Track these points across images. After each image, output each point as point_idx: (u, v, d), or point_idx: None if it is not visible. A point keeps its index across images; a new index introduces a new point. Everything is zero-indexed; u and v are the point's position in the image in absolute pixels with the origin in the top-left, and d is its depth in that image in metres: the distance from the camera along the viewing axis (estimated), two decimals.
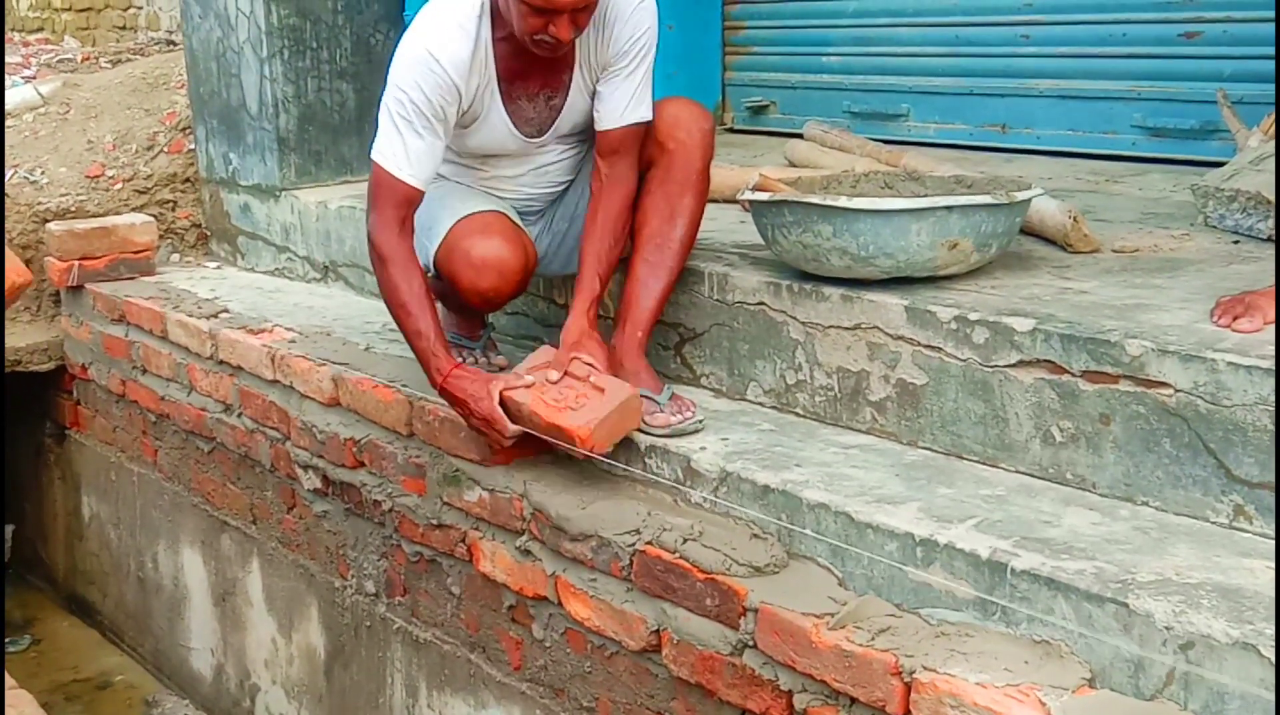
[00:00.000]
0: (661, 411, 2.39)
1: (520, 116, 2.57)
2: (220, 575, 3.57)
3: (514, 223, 2.62)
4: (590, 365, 2.35)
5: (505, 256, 2.52)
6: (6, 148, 4.41)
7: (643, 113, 2.54)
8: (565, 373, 2.35)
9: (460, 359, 2.85)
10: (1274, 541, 1.80)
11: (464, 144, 2.61)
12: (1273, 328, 1.95)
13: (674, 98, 2.63)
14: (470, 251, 2.52)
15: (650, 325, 2.52)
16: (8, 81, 5.00)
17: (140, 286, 3.94)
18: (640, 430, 2.40)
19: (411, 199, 2.48)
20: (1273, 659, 1.53)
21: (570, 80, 2.56)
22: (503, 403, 2.37)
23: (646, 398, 2.41)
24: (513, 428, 2.36)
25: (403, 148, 2.44)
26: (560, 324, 2.94)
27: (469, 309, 2.76)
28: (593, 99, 2.58)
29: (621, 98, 2.52)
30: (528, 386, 2.35)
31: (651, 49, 2.55)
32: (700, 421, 2.39)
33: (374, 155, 2.49)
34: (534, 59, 2.46)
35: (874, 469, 2.17)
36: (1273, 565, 1.73)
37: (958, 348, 2.15)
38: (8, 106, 4.69)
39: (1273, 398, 1.80)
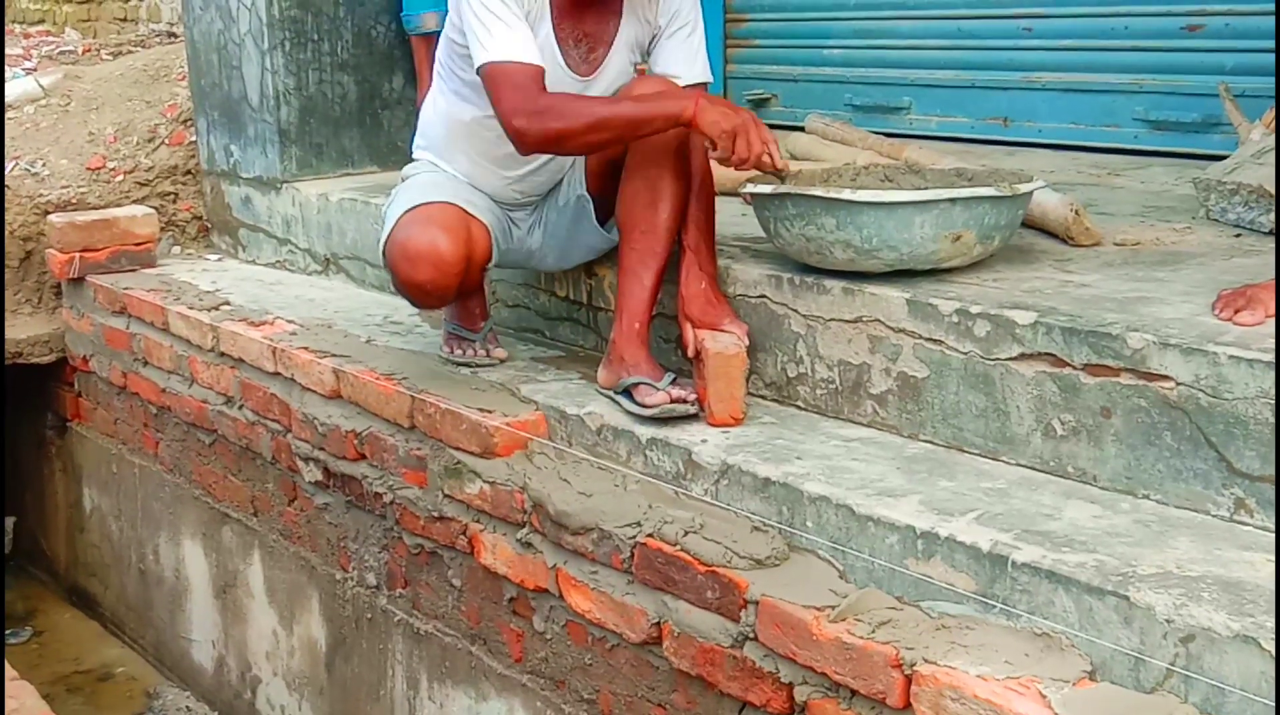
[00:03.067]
0: (657, 391, 2.39)
1: (567, 59, 2.55)
2: (221, 567, 3.58)
3: (465, 214, 2.57)
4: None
5: (442, 248, 2.48)
6: (7, 140, 4.41)
7: (705, 73, 2.54)
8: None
9: (461, 352, 2.86)
10: (1274, 535, 1.80)
11: None
12: (1273, 321, 1.95)
13: (642, 77, 2.61)
14: (407, 243, 2.50)
15: (647, 314, 2.51)
16: (9, 73, 4.99)
17: (141, 279, 3.93)
18: (629, 412, 2.41)
19: (536, 75, 2.38)
20: (1273, 652, 1.53)
21: (616, 35, 2.55)
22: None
23: (646, 384, 2.41)
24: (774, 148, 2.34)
25: (508, 36, 2.38)
26: (561, 317, 2.96)
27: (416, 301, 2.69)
28: (632, 66, 2.59)
29: (684, 58, 2.53)
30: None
31: (699, 13, 2.56)
32: (693, 406, 2.38)
33: (484, 58, 2.38)
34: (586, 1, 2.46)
35: (875, 462, 2.17)
36: (1273, 558, 1.74)
37: (959, 341, 2.15)
38: (8, 98, 4.68)
39: (1274, 391, 1.80)
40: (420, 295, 2.58)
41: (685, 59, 2.56)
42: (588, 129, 2.36)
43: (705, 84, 2.59)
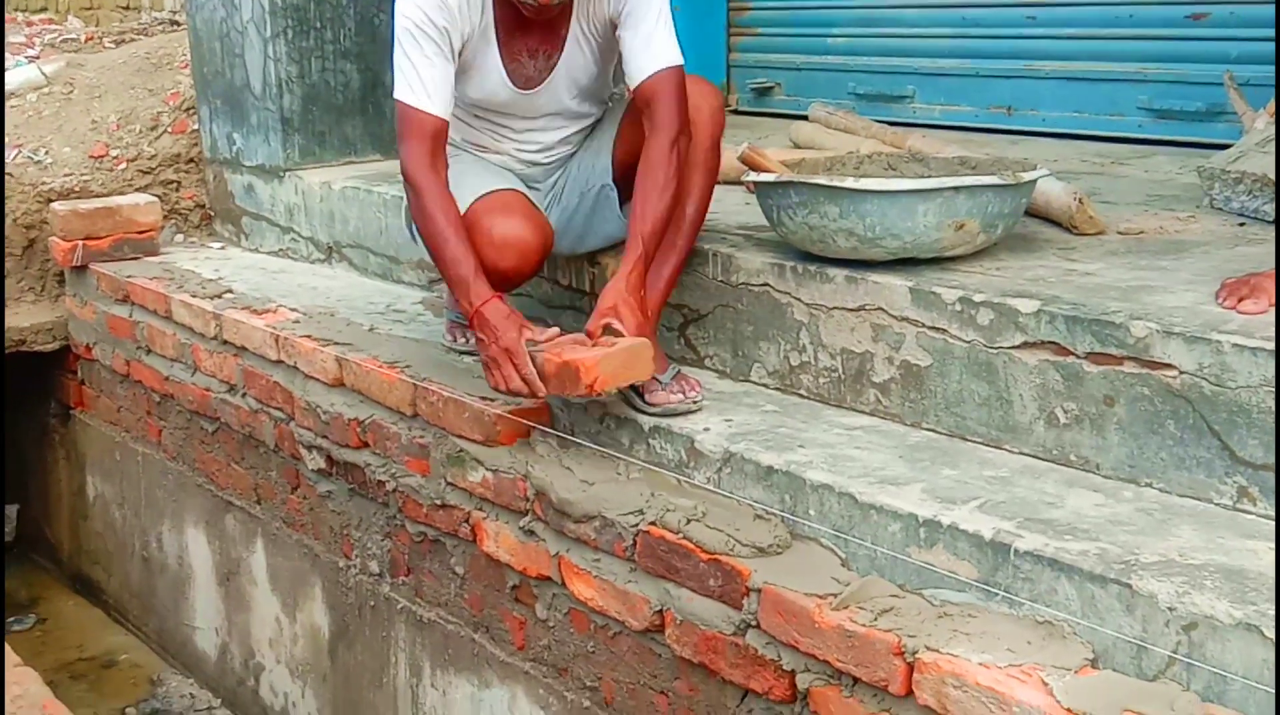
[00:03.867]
0: (662, 390, 2.39)
1: (519, 74, 2.56)
2: (224, 555, 3.58)
3: (531, 202, 2.62)
4: (619, 333, 2.29)
5: (526, 237, 2.51)
6: (10, 127, 4.41)
7: (666, 58, 2.47)
8: (593, 340, 2.30)
9: (464, 340, 2.86)
10: (1276, 523, 1.80)
11: (463, 93, 2.58)
12: (1275, 309, 1.95)
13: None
14: (492, 230, 2.51)
15: (659, 307, 2.51)
16: (11, 61, 4.99)
17: (144, 267, 3.94)
18: (637, 408, 2.40)
19: (437, 130, 2.46)
20: (1274, 639, 1.53)
21: (566, 35, 2.55)
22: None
23: (651, 378, 2.40)
24: (527, 369, 2.30)
25: (418, 78, 2.44)
26: (564, 306, 2.95)
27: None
28: (595, 56, 2.58)
29: (639, 49, 2.48)
30: (550, 339, 2.33)
31: (658, 2, 2.51)
32: (696, 402, 2.39)
33: (395, 94, 2.48)
34: (530, 17, 2.46)
35: (878, 450, 2.17)
36: (1274, 546, 1.73)
37: (962, 329, 2.15)
38: (11, 86, 4.68)
39: (1276, 379, 1.79)
40: (500, 281, 2.58)
41: (640, 52, 2.49)
42: (421, 224, 2.46)
43: (669, 68, 2.47)
